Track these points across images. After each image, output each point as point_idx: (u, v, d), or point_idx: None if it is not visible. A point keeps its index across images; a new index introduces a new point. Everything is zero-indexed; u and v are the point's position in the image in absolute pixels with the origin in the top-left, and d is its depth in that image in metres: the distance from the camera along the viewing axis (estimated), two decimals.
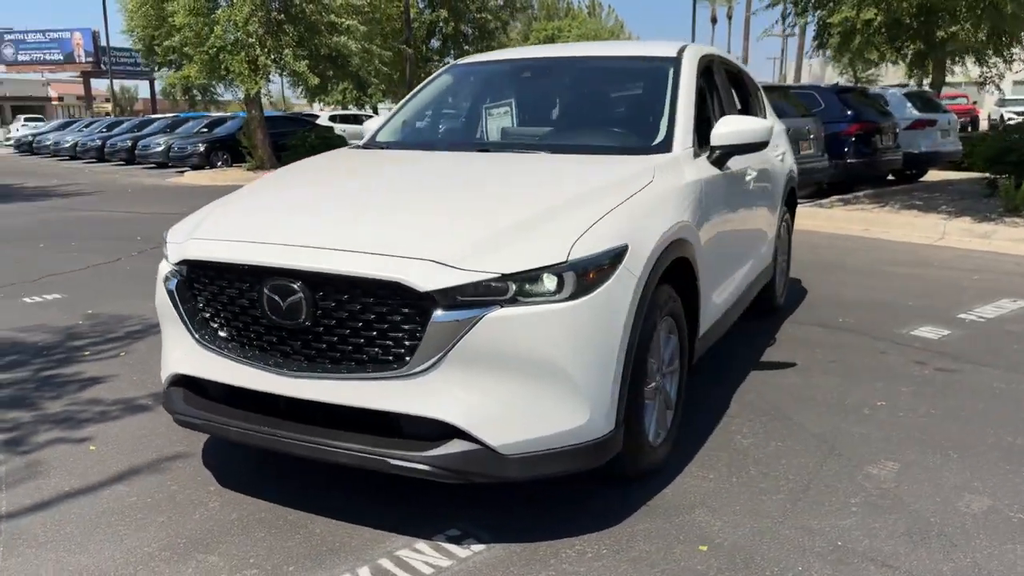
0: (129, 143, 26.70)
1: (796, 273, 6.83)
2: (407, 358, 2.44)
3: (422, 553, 2.57)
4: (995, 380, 4.20)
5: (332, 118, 27.47)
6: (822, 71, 47.06)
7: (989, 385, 4.13)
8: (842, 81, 33.99)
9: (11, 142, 40.10)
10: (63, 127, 36.50)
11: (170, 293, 2.86)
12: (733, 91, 5.04)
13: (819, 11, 14.22)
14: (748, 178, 4.19)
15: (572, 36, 60.14)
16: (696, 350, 3.50)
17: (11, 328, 5.32)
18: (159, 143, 24.60)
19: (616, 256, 2.59)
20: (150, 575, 2.46)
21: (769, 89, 11.43)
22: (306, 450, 2.59)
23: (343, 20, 20.13)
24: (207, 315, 2.79)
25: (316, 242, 2.57)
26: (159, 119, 30.61)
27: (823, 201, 11.12)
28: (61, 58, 58.49)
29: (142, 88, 66.88)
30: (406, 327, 2.44)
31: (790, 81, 45.04)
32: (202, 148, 22.75)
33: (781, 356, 4.61)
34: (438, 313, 2.39)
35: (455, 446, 2.44)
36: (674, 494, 2.96)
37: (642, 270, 2.68)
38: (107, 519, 2.81)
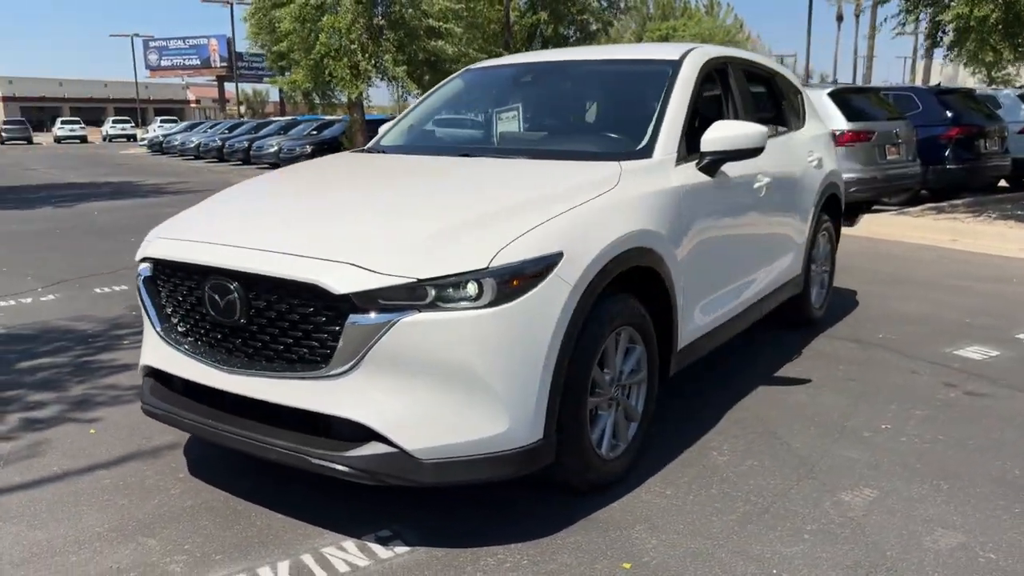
0: (246, 144, 28.09)
1: (858, 285, 6.52)
2: (329, 359, 2.49)
3: (346, 552, 2.62)
4: None
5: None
6: (955, 71, 44.43)
7: (1020, 413, 3.81)
8: (973, 82, 31.92)
9: (145, 142, 42.94)
10: (189, 129, 38.80)
11: (139, 288, 3.03)
12: (761, 95, 4.88)
13: (930, 8, 13.43)
14: (758, 185, 4.03)
15: (687, 36, 59.08)
16: (674, 363, 3.40)
17: (72, 316, 5.73)
18: (271, 144, 25.78)
19: (547, 264, 2.56)
20: (90, 553, 2.61)
21: (857, 91, 10.94)
22: (243, 445, 2.69)
23: (440, 24, 20.53)
24: (168, 310, 2.94)
25: (254, 244, 2.66)
26: (274, 122, 32.06)
27: (912, 209, 10.51)
28: (199, 63, 62.24)
29: (273, 91, 70.64)
30: (327, 329, 2.49)
31: (918, 82, 42.71)
32: (309, 149, 23.62)
33: (799, 371, 4.40)
34: (354, 316, 2.44)
35: (372, 448, 2.48)
36: (622, 508, 2.89)
37: (579, 278, 2.63)
38: (76, 499, 2.99)
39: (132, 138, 55.65)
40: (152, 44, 64.21)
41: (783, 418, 3.73)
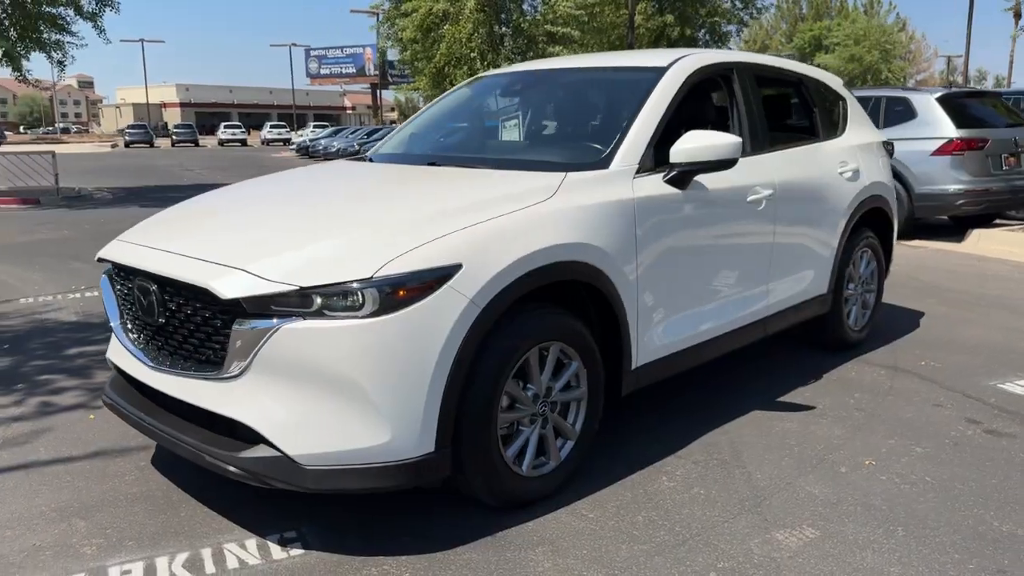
0: None
1: (929, 306, 6.04)
2: (224, 362, 2.58)
3: (244, 550, 2.69)
4: None
5: None
6: None
7: None
8: None
9: (294, 146, 45.51)
10: (334, 134, 40.75)
11: (101, 285, 3.24)
12: (781, 102, 4.63)
13: None
14: (755, 197, 3.80)
15: (840, 35, 56.21)
16: (628, 382, 3.27)
17: None
18: None
19: (439, 276, 2.53)
20: (22, 530, 2.83)
21: (975, 95, 10.07)
22: (162, 440, 2.83)
23: (558, 29, 20.60)
24: (120, 308, 3.14)
25: (177, 248, 2.80)
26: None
27: (1015, 225, 9.56)
28: (355, 71, 65.19)
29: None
30: (222, 332, 2.58)
31: None
32: None
33: (807, 397, 4.12)
34: (242, 320, 2.51)
35: (261, 451, 2.54)
36: (533, 528, 2.81)
37: (479, 291, 2.59)
38: (42, 479, 3.24)
39: (287, 142, 59.14)
40: (313, 53, 67.88)
41: (759, 446, 3.51)
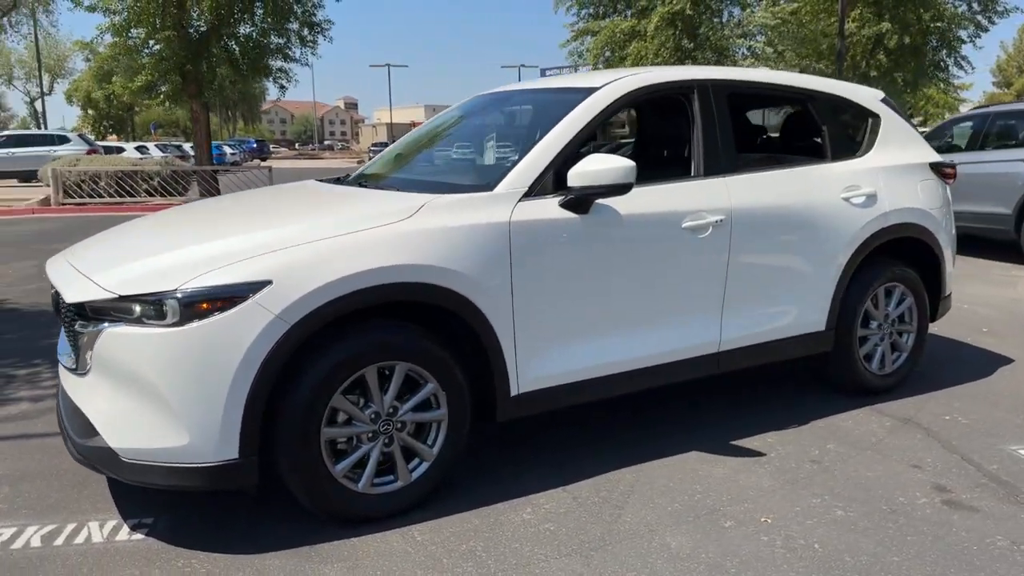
0: None
1: (1010, 348, 5.19)
2: (78, 360, 2.90)
3: (100, 529, 2.98)
4: (1016, 532, 2.91)
5: None
6: None
7: (990, 538, 2.88)
8: None
9: None
10: None
11: None
12: (783, 120, 4.24)
13: None
14: (697, 223, 3.53)
15: None
16: (505, 408, 3.20)
17: None
18: None
19: (245, 291, 2.67)
20: None
21: None
22: (61, 426, 3.20)
23: (751, 43, 19.76)
24: None
25: (73, 259, 3.17)
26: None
27: None
28: None
29: None
30: (77, 333, 2.91)
31: None
32: None
33: (769, 443, 3.74)
34: (83, 323, 2.82)
35: (96, 441, 2.82)
36: (350, 544, 2.85)
37: (286, 308, 2.69)
38: (8, 450, 3.76)
39: None
40: (548, 73, 70.20)
41: (659, 488, 3.27)
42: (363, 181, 3.91)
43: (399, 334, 2.96)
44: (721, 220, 3.62)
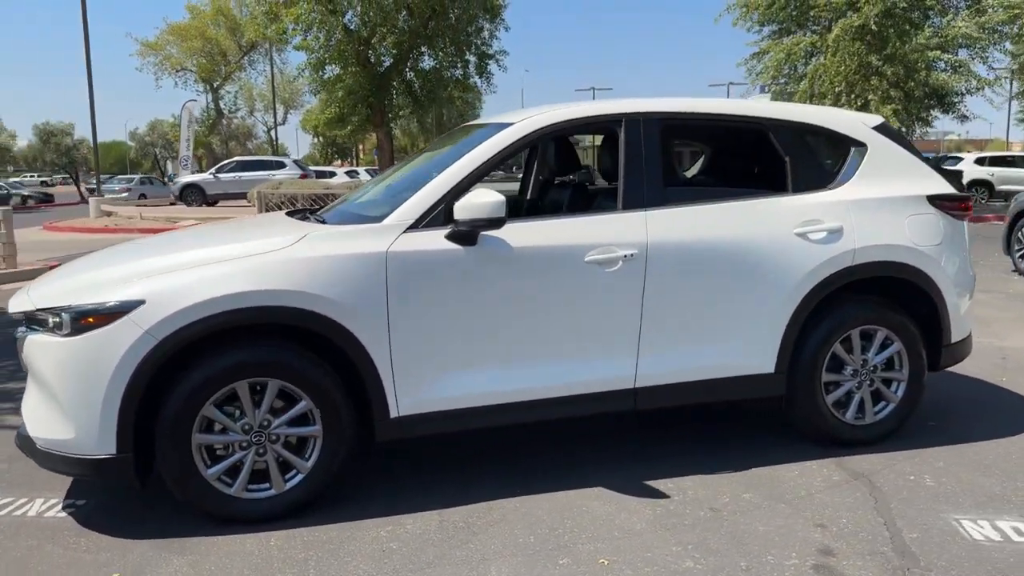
0: None
1: None
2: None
3: (41, 505, 3.53)
4: None
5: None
6: None
7: None
8: None
9: None
10: None
11: None
12: (723, 150, 4.08)
13: None
14: (599, 257, 3.50)
15: None
16: (385, 428, 3.38)
17: None
18: None
19: (121, 309, 3.09)
20: None
21: None
22: None
23: (936, 54, 18.09)
24: None
25: (42, 279, 3.76)
26: None
27: None
28: None
29: None
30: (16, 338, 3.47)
31: None
32: None
33: (685, 486, 3.59)
34: (21, 330, 3.37)
35: (23, 430, 3.35)
36: (208, 542, 3.14)
37: (154, 325, 3.06)
38: None
39: None
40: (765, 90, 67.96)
41: (530, 521, 3.28)
42: (317, 210, 4.26)
43: (271, 353, 3.24)
44: (633, 254, 3.56)
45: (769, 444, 4.08)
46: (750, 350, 3.79)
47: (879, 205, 3.96)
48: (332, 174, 34.65)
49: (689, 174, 5.15)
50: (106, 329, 3.08)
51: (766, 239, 3.76)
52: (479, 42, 20.77)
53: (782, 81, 21.07)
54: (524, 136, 3.65)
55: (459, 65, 20.77)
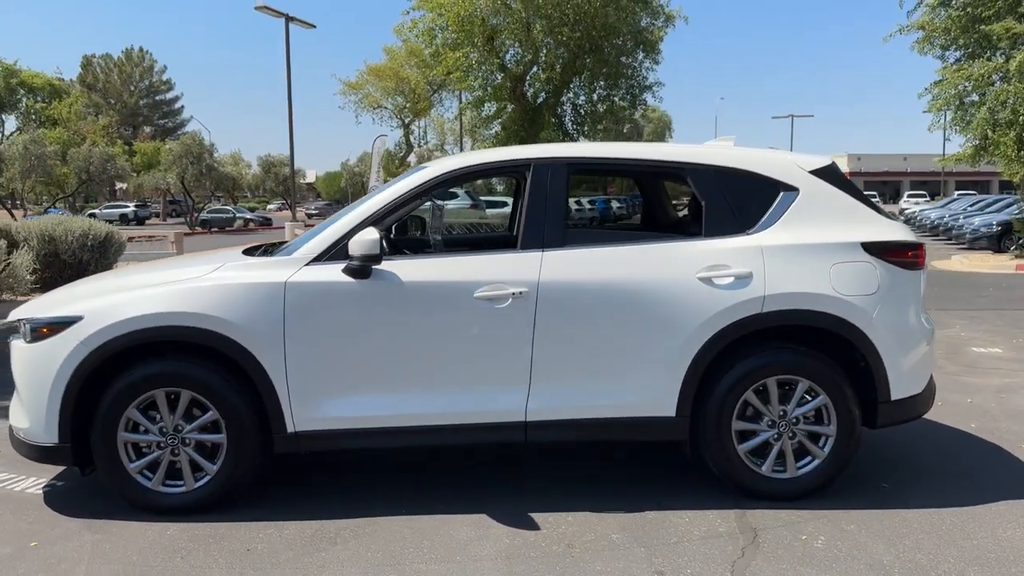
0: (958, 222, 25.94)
1: None
2: None
3: (32, 481, 4.24)
4: None
5: None
6: None
7: None
8: None
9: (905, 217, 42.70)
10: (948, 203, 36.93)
11: None
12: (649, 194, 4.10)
13: None
14: (488, 294, 3.70)
15: None
16: (284, 442, 3.76)
17: None
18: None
19: (64, 323, 3.71)
20: None
21: None
22: None
23: None
24: None
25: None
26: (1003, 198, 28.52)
27: None
28: None
29: None
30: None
31: None
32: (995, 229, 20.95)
33: (557, 523, 3.67)
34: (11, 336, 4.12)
35: (8, 419, 4.09)
36: (114, 526, 3.67)
37: (88, 337, 3.65)
38: None
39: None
40: None
41: (384, 542, 3.53)
42: (280, 244, 4.77)
43: (183, 367, 3.74)
44: (522, 292, 3.73)
45: (683, 487, 4.03)
46: (647, 392, 3.80)
47: (800, 251, 3.83)
48: (504, 204, 35.93)
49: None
50: (53, 339, 3.71)
51: (665, 283, 3.77)
52: (632, 74, 20.96)
53: (948, 111, 19.36)
54: (428, 180, 3.94)
55: (612, 98, 21.07)
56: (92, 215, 42.03)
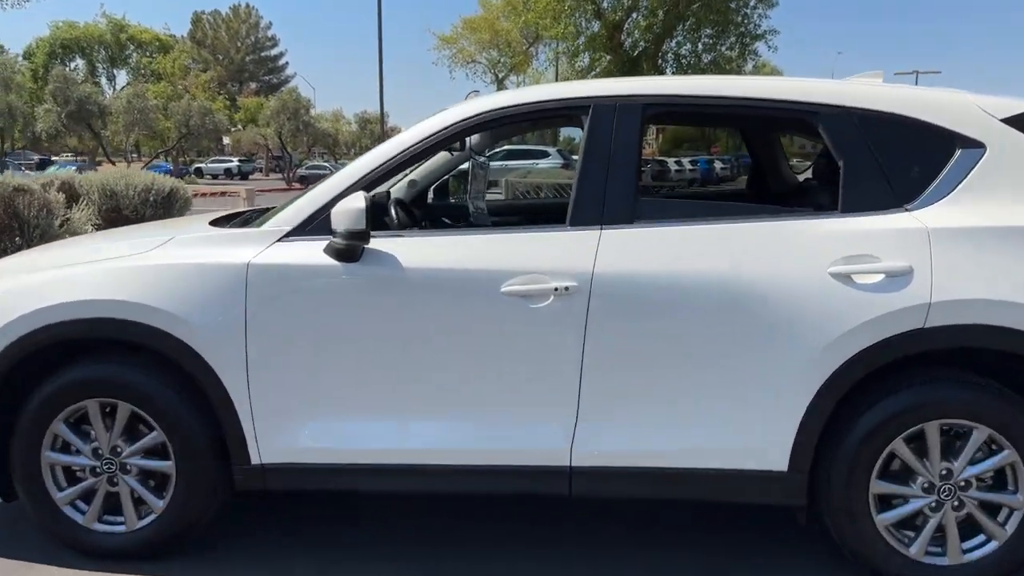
0: None
1: None
2: None
3: None
4: None
5: None
6: None
7: None
8: None
9: None
10: None
11: None
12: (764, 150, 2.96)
13: None
14: (522, 288, 2.62)
15: None
16: (245, 477, 2.83)
17: None
18: None
19: None
20: None
21: None
22: None
23: None
24: None
25: None
26: None
27: None
28: None
29: None
30: None
31: None
32: None
33: None
34: None
35: None
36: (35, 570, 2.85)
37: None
38: None
39: None
40: None
41: None
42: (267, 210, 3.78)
43: (118, 371, 2.83)
44: (571, 287, 2.63)
45: (792, 571, 2.88)
46: (747, 435, 2.66)
47: (988, 238, 2.58)
48: None
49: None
50: None
51: (780, 279, 2.59)
52: (743, 21, 19.01)
53: None
54: (444, 128, 2.85)
55: (719, 48, 19.21)
56: (199, 169, 43.03)
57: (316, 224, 2.79)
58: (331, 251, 2.71)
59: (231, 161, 47.78)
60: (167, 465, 2.86)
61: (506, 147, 32.59)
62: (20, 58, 45.25)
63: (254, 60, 74.89)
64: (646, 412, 2.69)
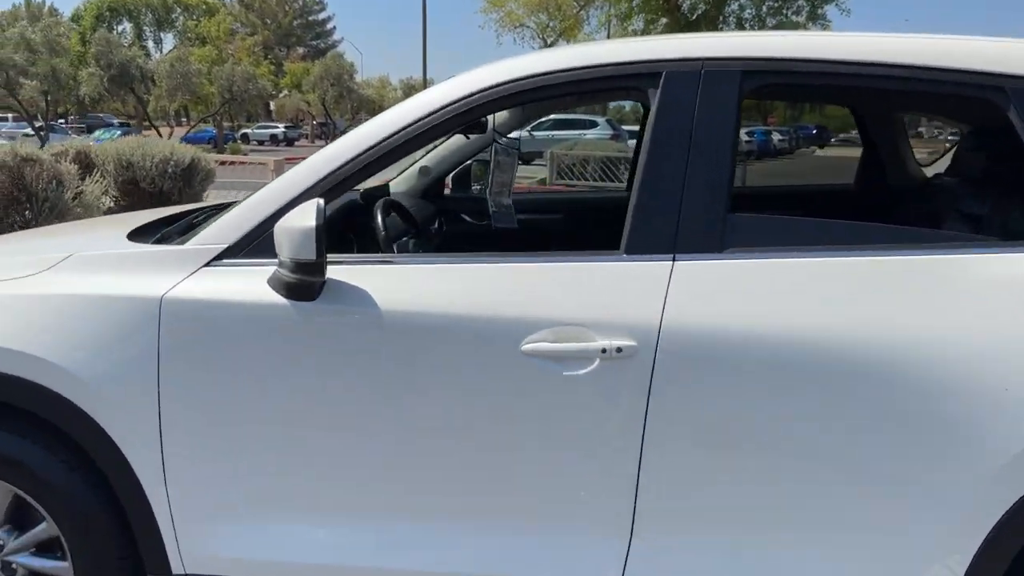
0: None
1: None
2: None
3: None
4: None
5: None
6: None
7: None
8: None
9: None
10: None
11: None
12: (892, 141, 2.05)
13: None
14: (549, 348, 1.76)
15: None
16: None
17: None
18: None
19: None
20: None
21: None
22: None
23: None
24: None
25: None
26: None
27: None
28: None
29: None
30: None
31: None
32: None
33: None
34: None
35: None
36: None
37: None
38: None
39: None
40: None
41: None
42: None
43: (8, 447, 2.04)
44: (625, 347, 1.74)
45: None
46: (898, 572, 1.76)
47: None
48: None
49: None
50: None
51: (945, 348, 1.67)
52: None
53: None
54: (448, 105, 1.95)
55: (785, 11, 17.79)
56: (245, 135, 42.62)
57: (258, 243, 1.94)
58: (277, 284, 1.86)
59: (277, 127, 47.30)
60: (61, 566, 2.08)
61: (552, 116, 31.56)
62: (68, 20, 45.20)
63: (301, 24, 74.11)
64: (733, 531, 1.81)
